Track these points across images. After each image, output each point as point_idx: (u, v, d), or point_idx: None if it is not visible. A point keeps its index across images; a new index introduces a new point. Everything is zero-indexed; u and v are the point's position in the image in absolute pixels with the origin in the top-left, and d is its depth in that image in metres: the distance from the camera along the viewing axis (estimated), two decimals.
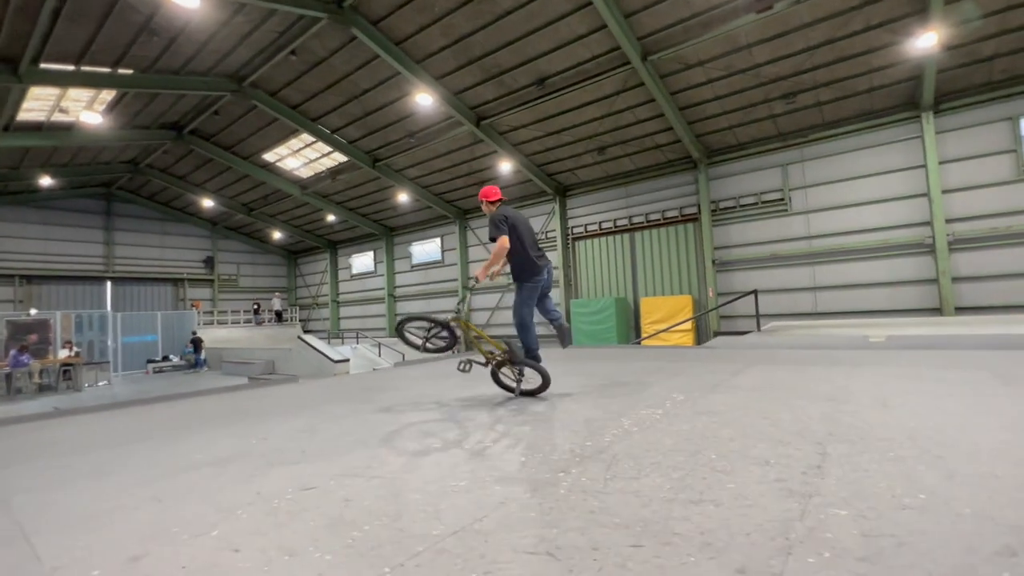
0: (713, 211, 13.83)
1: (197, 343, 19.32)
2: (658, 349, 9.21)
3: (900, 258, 11.35)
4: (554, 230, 17.18)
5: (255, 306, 26.65)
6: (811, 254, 12.39)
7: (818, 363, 5.31)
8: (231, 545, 1.68)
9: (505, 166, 15.62)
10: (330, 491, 2.17)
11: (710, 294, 13.55)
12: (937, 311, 10.79)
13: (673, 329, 12.96)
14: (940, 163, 10.73)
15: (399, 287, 23.48)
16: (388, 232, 23.28)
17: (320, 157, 17.52)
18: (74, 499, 2.28)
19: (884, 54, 9.75)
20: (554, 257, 17.18)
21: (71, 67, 10.45)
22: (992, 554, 1.38)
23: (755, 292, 10.32)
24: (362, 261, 25.56)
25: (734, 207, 13.58)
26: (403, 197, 18.80)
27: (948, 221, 10.69)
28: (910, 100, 10.82)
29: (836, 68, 10.34)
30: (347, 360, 15.43)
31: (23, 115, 12.35)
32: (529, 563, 1.47)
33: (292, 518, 1.89)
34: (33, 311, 17.43)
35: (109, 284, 23.40)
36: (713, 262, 13.66)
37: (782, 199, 12.82)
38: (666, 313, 14.26)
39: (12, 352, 14.79)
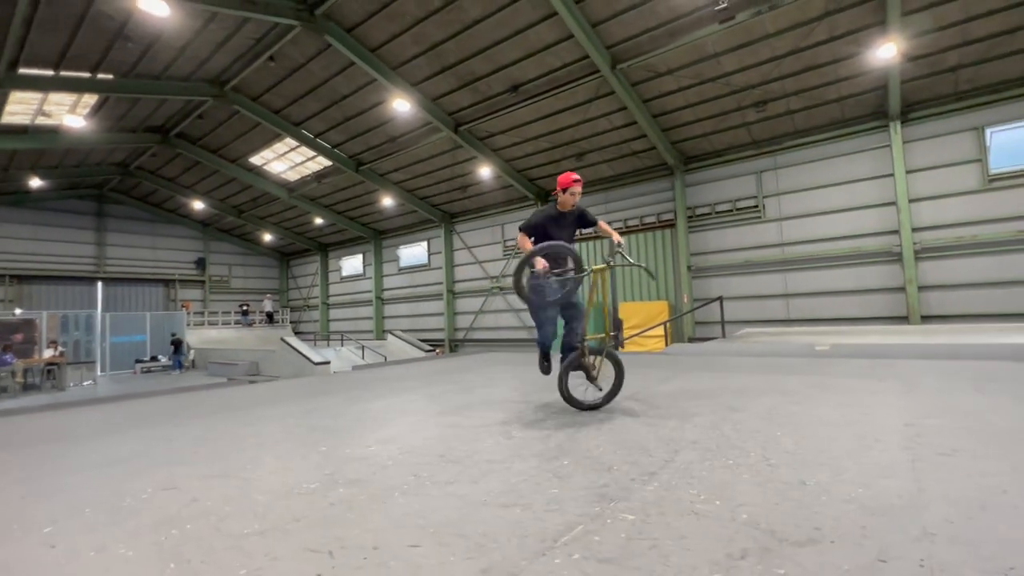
0: (689, 217, 13.93)
1: (178, 344, 19.43)
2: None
3: (869, 266, 11.42)
4: None
5: (244, 307, 26.80)
6: (784, 261, 12.47)
7: (750, 371, 5.40)
8: (50, 542, 1.79)
9: (486, 171, 15.75)
10: (186, 491, 2.28)
11: (685, 300, 13.63)
12: (904, 319, 10.86)
13: (646, 334, 13.03)
14: (908, 172, 10.82)
15: (387, 290, 23.62)
16: (376, 235, 23.44)
17: (305, 161, 17.69)
18: None
19: (849, 64, 9.85)
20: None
21: (50, 72, 10.65)
22: (725, 556, 1.48)
23: (720, 299, 10.38)
24: (351, 264, 25.73)
25: (710, 213, 13.67)
26: (388, 201, 18.96)
27: (915, 230, 10.76)
28: (878, 109, 10.92)
29: (804, 77, 10.45)
30: (328, 362, 15.58)
31: (7, 118, 12.56)
32: (308, 559, 1.57)
33: (130, 516, 2.00)
34: (18, 311, 17.61)
35: (100, 284, 23.60)
36: (689, 268, 13.75)
37: (756, 206, 12.91)
38: (643, 319, 14.31)
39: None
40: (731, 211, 13.29)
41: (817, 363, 5.83)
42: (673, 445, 2.66)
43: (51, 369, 15.99)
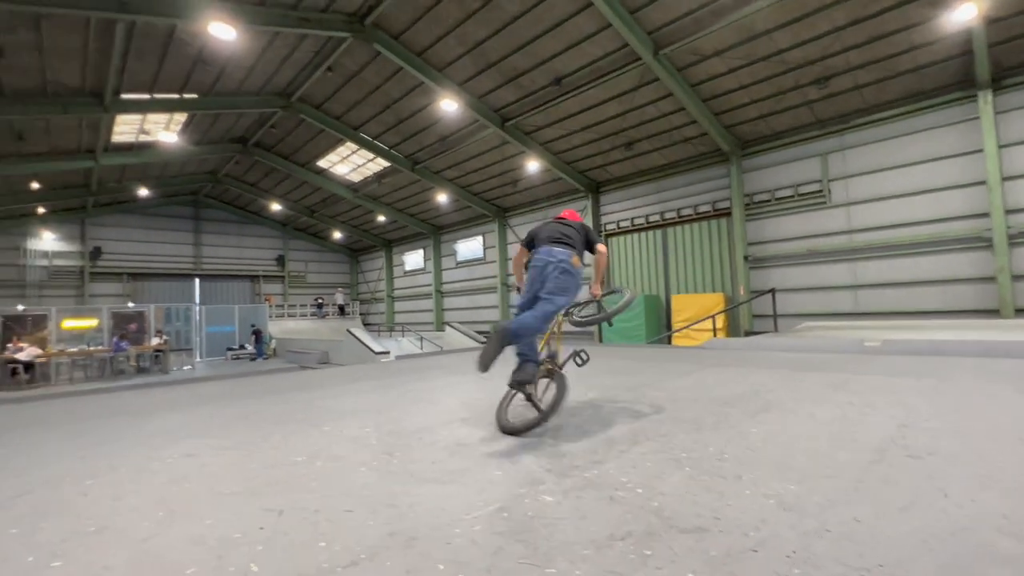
0: (747, 205, 13.21)
1: (258, 334, 21.41)
2: (655, 348, 9.13)
3: (953, 254, 10.26)
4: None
5: (318, 300, 28.91)
6: (852, 249, 11.51)
7: (775, 367, 5.20)
8: (85, 491, 2.25)
9: (535, 165, 15.85)
10: (200, 459, 2.71)
11: (741, 292, 12.98)
12: (996, 312, 9.68)
13: (696, 327, 12.57)
14: (1000, 147, 9.57)
15: (446, 283, 24.48)
16: (436, 231, 24.32)
17: (366, 163, 18.75)
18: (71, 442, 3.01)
19: (924, 30, 8.87)
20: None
21: (146, 95, 12.17)
22: (607, 536, 1.60)
23: (772, 291, 9.82)
24: (413, 259, 26.89)
25: (769, 200, 12.88)
26: (443, 197, 19.63)
27: (1009, 212, 9.52)
28: (964, 78, 9.73)
29: (872, 48, 9.55)
30: (387, 352, 16.53)
31: (116, 138, 14.53)
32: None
33: (151, 476, 2.44)
34: (130, 304, 20.26)
35: (197, 280, 26.51)
36: (746, 258, 13.07)
37: (821, 191, 11.99)
38: (697, 311, 13.81)
39: (114, 339, 17.41)
40: (792, 197, 12.44)
41: (857, 360, 5.46)
42: (639, 436, 2.73)
43: (158, 355, 18.34)
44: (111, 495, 2.18)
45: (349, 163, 19.11)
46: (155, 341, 18.51)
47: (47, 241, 21.45)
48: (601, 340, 16.06)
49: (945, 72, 9.75)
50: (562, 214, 3.84)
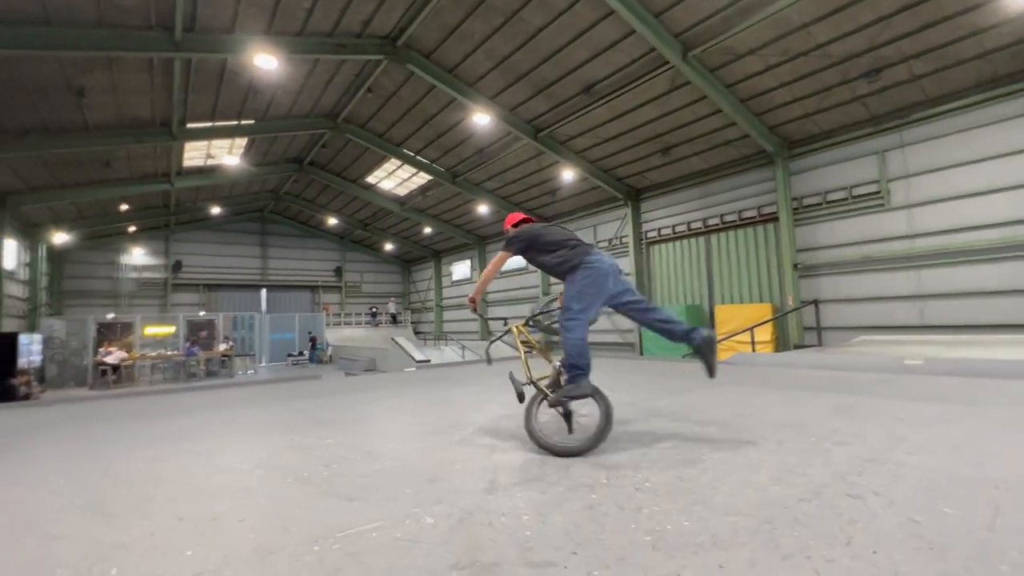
0: (795, 209, 12.36)
1: (314, 341, 22.63)
2: (678, 363, 8.69)
3: None
4: (627, 235, 16.77)
5: (372, 310, 30.18)
6: (914, 256, 10.43)
7: (789, 387, 4.83)
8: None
9: (571, 174, 15.76)
10: (173, 462, 2.92)
11: (789, 302, 12.12)
12: None
13: (738, 339, 11.84)
14: None
15: (490, 293, 24.73)
16: (480, 241, 24.70)
17: (410, 177, 19.45)
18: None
19: (988, 11, 7.96)
20: (627, 263, 16.79)
21: (208, 124, 13.38)
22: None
23: (815, 302, 9.07)
24: (460, 269, 27.45)
25: (819, 204, 11.98)
26: (484, 208, 19.94)
27: None
28: None
29: (927, 35, 8.69)
30: (428, 360, 16.94)
31: (187, 163, 16.07)
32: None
33: (138, 472, 2.66)
34: (202, 313, 22.13)
35: (264, 291, 28.54)
36: (795, 266, 12.20)
37: (878, 192, 10.99)
38: (743, 322, 13.03)
39: (187, 345, 19.10)
40: (846, 199, 11.50)
41: (889, 380, 4.94)
42: (543, 467, 2.63)
43: (224, 360, 19.89)
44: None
45: (395, 178, 19.90)
46: (222, 347, 20.10)
47: (136, 256, 23.98)
48: (642, 352, 15.57)
49: (1018, 57, 8.66)
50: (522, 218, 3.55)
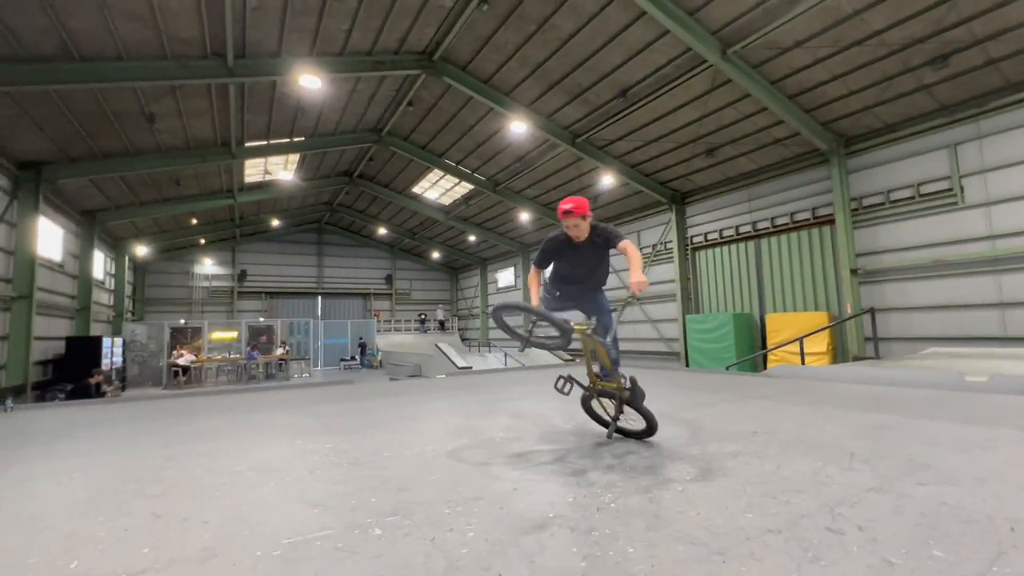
0: (854, 210, 11.46)
1: (363, 347, 23.46)
2: (712, 375, 8.22)
3: None
4: (671, 241, 16.21)
5: (422, 316, 30.95)
6: (995, 259, 9.35)
7: (828, 403, 4.45)
8: (130, 455, 2.72)
9: (612, 179, 15.48)
10: (183, 461, 3.11)
11: (847, 309, 11.21)
12: None
13: (789, 349, 11.07)
14: None
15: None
16: (524, 248, 24.74)
17: (453, 187, 19.84)
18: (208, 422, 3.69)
19: None
20: (670, 270, 16.23)
21: (264, 142, 14.31)
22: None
23: (871, 311, 8.30)
24: (505, 276, 27.60)
25: (882, 204, 11.04)
26: (525, 216, 19.97)
27: None
28: None
29: (1004, 13, 7.82)
30: (470, 367, 17.13)
31: (247, 179, 17.26)
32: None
33: (160, 463, 2.87)
34: (261, 319, 23.56)
35: (320, 298, 30.02)
36: (854, 271, 11.30)
37: (950, 189, 9.99)
38: (795, 332, 12.15)
39: (247, 349, 20.41)
40: (912, 198, 10.53)
41: (942, 398, 4.45)
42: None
43: (281, 363, 21.07)
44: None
45: (439, 188, 20.38)
46: (279, 351, 21.31)
47: (207, 266, 25.98)
48: (688, 364, 14.91)
49: None
50: (560, 210, 3.36)
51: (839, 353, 11.78)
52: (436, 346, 19.86)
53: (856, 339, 10.99)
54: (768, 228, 13.56)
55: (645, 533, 1.80)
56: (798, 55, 9.57)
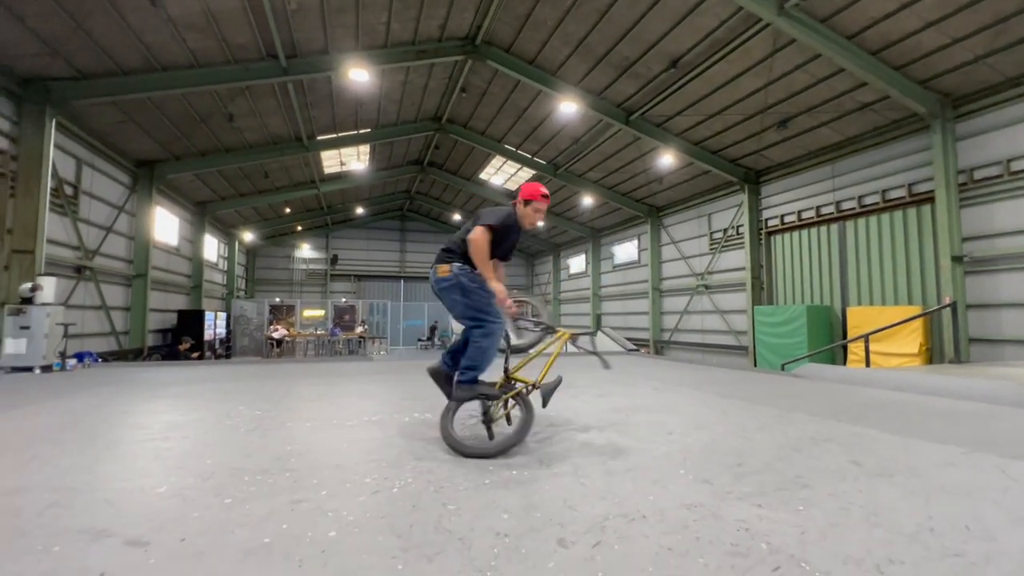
0: (962, 185, 9.54)
1: (433, 329, 24.57)
2: (744, 373, 7.38)
3: None
4: (743, 225, 14.75)
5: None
6: None
7: (847, 417, 3.87)
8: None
9: (674, 159, 14.42)
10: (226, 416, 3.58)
11: (946, 301, 9.39)
12: None
13: (881, 350, 9.56)
14: None
15: (603, 287, 24.02)
16: (594, 234, 24.09)
17: (515, 172, 19.81)
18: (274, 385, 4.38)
19: None
20: (742, 257, 14.81)
21: (333, 135, 15.44)
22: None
23: (953, 304, 6.82)
24: (576, 262, 27.14)
25: (999, 176, 9.06)
26: (589, 200, 19.39)
27: None
28: None
29: None
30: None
31: (326, 170, 18.77)
32: None
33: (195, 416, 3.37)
34: (343, 300, 25.64)
35: (402, 281, 31.91)
36: (958, 259, 9.43)
37: None
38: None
39: (331, 327, 22.41)
40: None
41: (999, 416, 3.62)
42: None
43: (361, 340, 22.87)
44: (177, 415, 3.14)
45: (503, 173, 20.48)
46: (358, 330, 23.13)
47: (304, 250, 28.82)
48: (756, 364, 13.52)
49: None
50: (537, 191, 3.22)
51: (935, 353, 9.98)
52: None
53: (952, 339, 9.20)
54: (854, 208, 11.77)
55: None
56: (875, 2, 8.10)
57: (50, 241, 9.27)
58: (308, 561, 1.54)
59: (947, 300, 9.31)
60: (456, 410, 3.02)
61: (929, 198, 10.11)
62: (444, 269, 3.02)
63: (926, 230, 10.36)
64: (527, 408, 2.93)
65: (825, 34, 8.74)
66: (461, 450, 2.75)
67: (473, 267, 2.96)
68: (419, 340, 27.40)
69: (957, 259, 9.42)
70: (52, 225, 9.54)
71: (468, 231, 3.06)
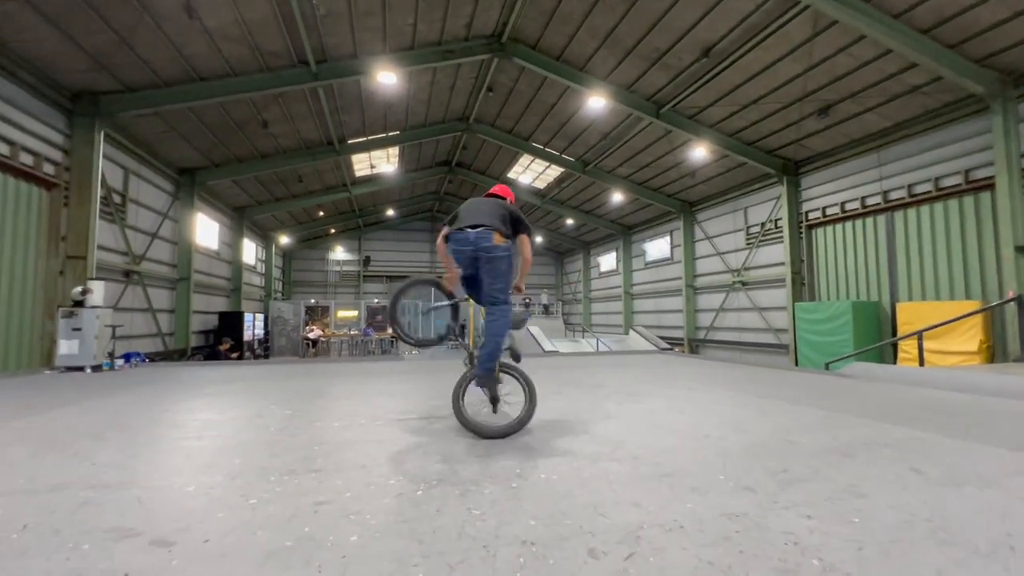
0: None
1: (462, 328, 24.63)
2: (781, 372, 7.02)
3: None
4: (781, 218, 14.16)
5: (526, 301, 31.46)
6: None
7: (888, 417, 3.64)
8: (184, 411, 3.39)
9: (707, 152, 13.99)
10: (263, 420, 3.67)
11: (1009, 295, 8.71)
12: None
13: (937, 348, 8.97)
14: None
15: (634, 285, 23.60)
16: (625, 231, 23.69)
17: (544, 170, 19.67)
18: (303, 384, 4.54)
19: None
20: (780, 252, 14.22)
21: (362, 139, 15.69)
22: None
23: (1018, 298, 6.25)
24: (607, 260, 26.75)
25: None
26: (618, 196, 19.06)
27: None
28: None
29: None
30: (556, 350, 17.09)
31: (357, 173, 19.11)
32: None
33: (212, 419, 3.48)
34: (375, 300, 26.03)
35: None
36: (1021, 249, 8.73)
37: None
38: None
39: (364, 328, 22.82)
40: None
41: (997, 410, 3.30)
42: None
43: (393, 340, 23.19)
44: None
45: (531, 172, 20.38)
46: (389, 331, 23.45)
47: (338, 253, 29.50)
48: (797, 363, 12.93)
49: None
50: (492, 189, 3.83)
51: (999, 354, 9.29)
52: (527, 328, 20.09)
53: (1017, 335, 8.53)
54: (904, 198, 11.10)
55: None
56: None
57: (100, 247, 9.75)
58: (327, 567, 1.49)
59: (1011, 294, 8.65)
60: (464, 394, 3.26)
61: (989, 184, 9.42)
62: (501, 239, 3.25)
63: (985, 219, 9.65)
64: (525, 382, 3.31)
65: (870, 13, 8.24)
66: (481, 432, 3.04)
67: None
68: (449, 339, 27.57)
69: (1021, 249, 8.72)
70: (102, 232, 10.03)
71: (507, 216, 3.42)
